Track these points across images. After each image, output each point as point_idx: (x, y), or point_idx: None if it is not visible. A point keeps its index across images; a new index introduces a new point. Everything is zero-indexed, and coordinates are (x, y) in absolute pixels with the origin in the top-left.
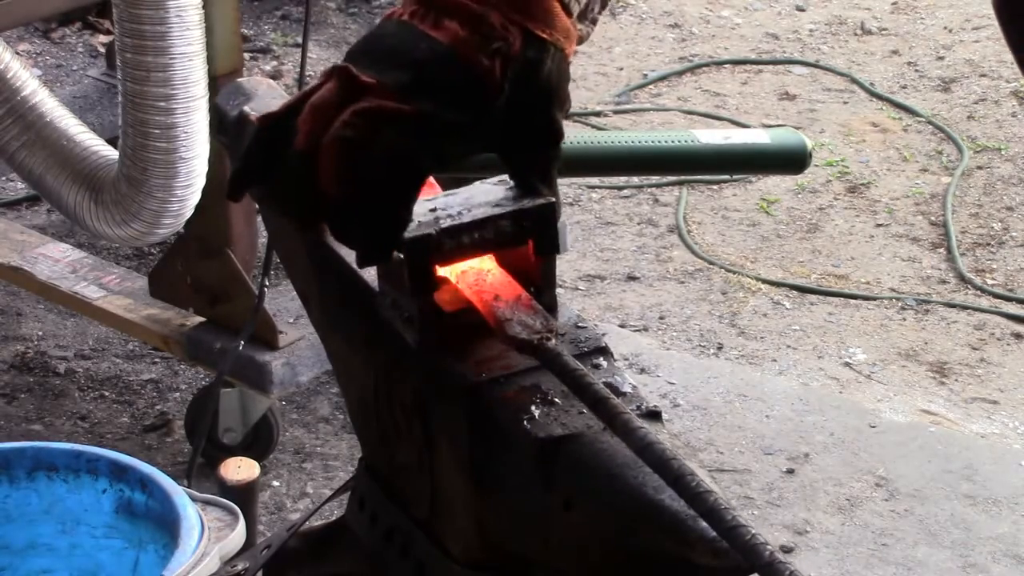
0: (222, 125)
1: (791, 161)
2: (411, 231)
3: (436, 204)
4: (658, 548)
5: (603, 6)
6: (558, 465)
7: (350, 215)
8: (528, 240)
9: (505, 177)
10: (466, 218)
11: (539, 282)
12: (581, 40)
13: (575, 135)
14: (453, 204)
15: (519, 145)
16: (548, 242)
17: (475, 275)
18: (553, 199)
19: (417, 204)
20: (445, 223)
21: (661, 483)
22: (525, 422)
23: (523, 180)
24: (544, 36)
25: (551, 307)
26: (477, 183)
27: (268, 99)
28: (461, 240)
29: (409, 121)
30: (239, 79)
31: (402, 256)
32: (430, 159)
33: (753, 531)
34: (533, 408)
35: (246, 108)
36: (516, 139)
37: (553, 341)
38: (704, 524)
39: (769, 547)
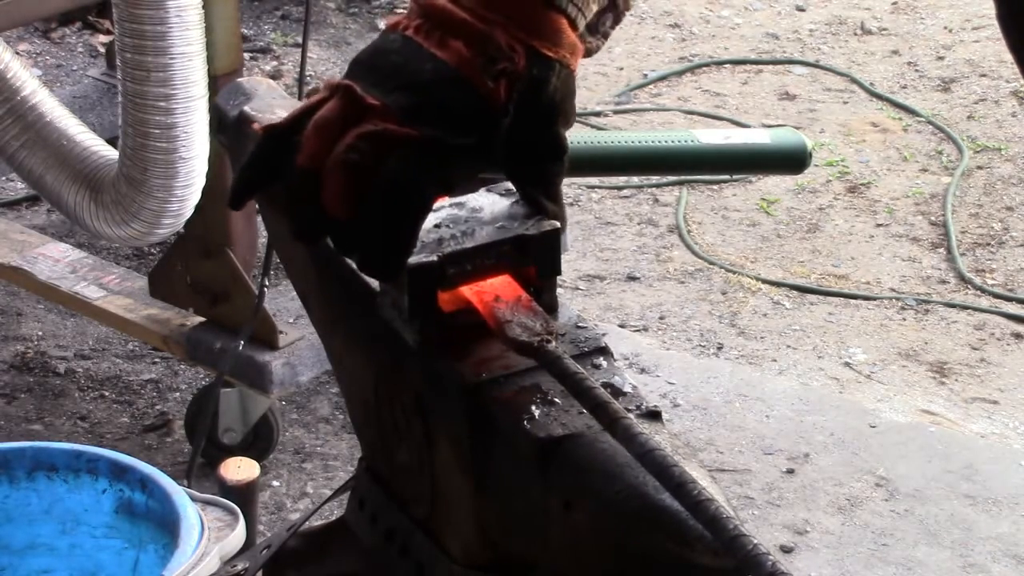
0: (222, 125)
1: (791, 161)
2: (415, 255)
3: (441, 218)
4: (658, 548)
5: (616, 21)
6: (558, 465)
7: (355, 237)
8: (531, 264)
9: (511, 186)
10: (469, 242)
11: (539, 283)
12: (590, 53)
13: (575, 135)
14: (458, 219)
15: (524, 162)
16: (550, 267)
17: None
18: (558, 224)
19: None
20: (449, 247)
21: None
22: (525, 422)
23: (528, 196)
24: (550, 54)
25: (551, 308)
26: (483, 190)
27: (268, 99)
28: (464, 267)
29: (414, 146)
30: (239, 79)
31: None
32: (435, 185)
33: (755, 541)
34: (533, 408)
35: (246, 108)
36: (521, 157)
37: (553, 343)
38: None
39: (771, 558)
